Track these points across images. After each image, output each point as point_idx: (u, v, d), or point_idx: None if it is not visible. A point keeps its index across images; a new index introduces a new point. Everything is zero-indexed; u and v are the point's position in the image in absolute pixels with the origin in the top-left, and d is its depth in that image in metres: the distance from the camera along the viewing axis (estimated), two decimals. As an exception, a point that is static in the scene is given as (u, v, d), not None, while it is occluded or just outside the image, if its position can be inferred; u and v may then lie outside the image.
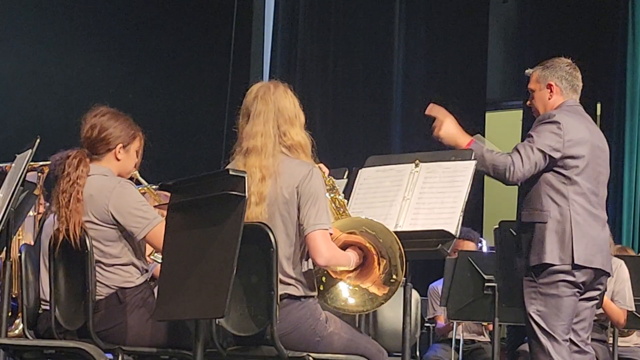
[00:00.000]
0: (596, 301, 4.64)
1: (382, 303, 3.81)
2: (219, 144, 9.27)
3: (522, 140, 4.65)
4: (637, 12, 8.80)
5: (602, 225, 4.60)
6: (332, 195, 3.97)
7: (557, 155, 4.49)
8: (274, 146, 3.75)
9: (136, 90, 9.01)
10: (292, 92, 3.86)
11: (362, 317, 4.82)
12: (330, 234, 3.70)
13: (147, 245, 4.10)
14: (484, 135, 8.76)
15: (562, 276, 4.45)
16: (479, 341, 7.11)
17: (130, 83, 9.08)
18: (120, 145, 4.12)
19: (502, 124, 9.79)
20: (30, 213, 5.02)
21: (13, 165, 4.34)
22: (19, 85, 8.52)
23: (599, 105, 8.81)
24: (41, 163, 4.91)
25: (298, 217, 3.69)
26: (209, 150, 9.45)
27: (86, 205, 3.95)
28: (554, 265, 4.44)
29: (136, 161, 4.23)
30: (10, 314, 4.35)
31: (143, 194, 4.47)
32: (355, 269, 3.83)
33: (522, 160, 4.44)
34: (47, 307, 4.06)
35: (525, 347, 5.65)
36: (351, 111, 10.06)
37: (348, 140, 9.83)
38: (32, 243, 4.69)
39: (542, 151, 4.46)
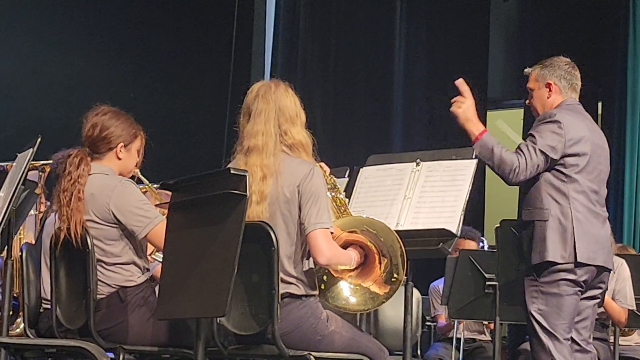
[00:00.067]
0: (598, 300, 4.64)
1: (383, 302, 3.81)
2: (220, 143, 9.28)
3: (523, 140, 4.65)
4: (638, 11, 8.80)
5: (603, 223, 4.60)
6: (333, 194, 3.97)
7: (558, 155, 4.49)
8: (275, 145, 3.75)
9: (137, 89, 9.01)
10: (292, 91, 3.87)
11: (363, 316, 4.83)
12: (331, 233, 3.70)
13: (148, 244, 4.10)
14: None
15: (563, 275, 4.45)
16: (480, 340, 7.11)
17: (131, 82, 9.08)
18: (122, 144, 4.12)
19: (503, 122, 9.80)
20: (32, 212, 5.02)
21: (14, 164, 4.34)
22: (20, 85, 8.52)
23: (600, 104, 8.80)
24: (42, 162, 4.91)
25: (299, 216, 3.69)
26: (210, 149, 9.45)
27: (87, 204, 3.96)
28: (556, 263, 4.43)
29: (137, 160, 4.23)
30: (11, 312, 4.35)
31: (144, 192, 4.47)
32: (356, 268, 3.83)
33: (526, 163, 4.44)
34: (48, 306, 4.06)
35: (526, 346, 5.66)
36: (352, 110, 10.06)
37: (349, 139, 9.83)
38: (34, 242, 4.70)
39: (544, 153, 4.46)
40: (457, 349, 6.93)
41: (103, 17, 9.16)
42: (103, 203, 3.95)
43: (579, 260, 4.43)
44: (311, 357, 3.65)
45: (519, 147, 4.51)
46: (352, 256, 3.78)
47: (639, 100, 8.70)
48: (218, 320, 3.68)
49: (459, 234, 4.16)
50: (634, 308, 6.24)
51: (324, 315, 3.75)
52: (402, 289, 3.95)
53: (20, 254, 4.29)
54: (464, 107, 4.55)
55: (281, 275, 3.61)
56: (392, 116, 9.85)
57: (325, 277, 3.84)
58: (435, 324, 7.37)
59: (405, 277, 3.86)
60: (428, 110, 9.52)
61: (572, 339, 4.49)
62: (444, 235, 4.10)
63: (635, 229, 8.57)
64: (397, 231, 3.86)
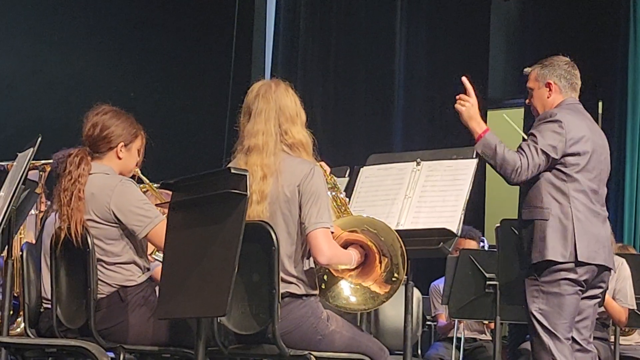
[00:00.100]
0: (598, 299, 4.64)
1: (384, 301, 3.81)
2: (220, 142, 9.27)
3: (524, 139, 4.64)
4: (639, 11, 8.80)
5: (603, 222, 4.59)
6: (333, 193, 3.97)
7: (559, 154, 4.49)
8: (275, 144, 3.75)
9: (137, 89, 9.01)
10: (293, 91, 3.87)
11: (364, 315, 4.82)
12: (332, 233, 3.70)
13: (149, 244, 4.10)
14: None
15: (564, 274, 4.45)
16: (480, 340, 7.11)
17: (131, 82, 9.08)
18: (122, 143, 4.12)
19: (504, 122, 9.79)
20: (32, 211, 5.02)
21: (14, 163, 4.34)
22: (20, 84, 8.52)
23: (600, 104, 8.80)
24: (43, 161, 4.91)
25: (299, 216, 3.69)
26: (210, 148, 9.45)
27: (88, 204, 3.96)
28: (556, 262, 4.43)
29: (138, 160, 4.23)
30: (11, 312, 4.35)
31: (145, 192, 4.47)
32: (356, 268, 3.83)
33: (528, 163, 4.44)
34: (49, 306, 4.06)
35: (526, 345, 5.66)
36: (352, 110, 10.06)
37: (349, 139, 9.82)
38: (34, 241, 4.70)
39: (545, 152, 4.46)
40: (458, 348, 6.93)
41: (103, 16, 9.15)
42: (103, 202, 3.95)
43: (579, 259, 4.43)
44: (311, 356, 3.65)
45: (520, 147, 4.51)
46: (353, 256, 3.78)
47: (640, 99, 8.71)
48: (218, 320, 3.68)
49: (459, 234, 4.16)
50: (635, 307, 6.24)
51: (325, 314, 3.75)
52: (402, 288, 3.94)
53: (20, 253, 4.29)
54: (468, 105, 4.56)
55: (281, 274, 3.61)
56: (393, 115, 9.84)
57: (325, 277, 3.84)
58: (435, 323, 7.36)
59: (405, 277, 3.85)
60: (428, 110, 9.52)
61: (573, 339, 4.49)
62: (444, 234, 4.10)
63: (635, 228, 8.57)
64: (397, 231, 3.86)
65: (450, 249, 4.18)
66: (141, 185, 4.50)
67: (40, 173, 5.04)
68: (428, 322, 7.54)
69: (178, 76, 9.64)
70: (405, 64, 9.88)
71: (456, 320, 6.78)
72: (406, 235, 3.90)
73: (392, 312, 5.95)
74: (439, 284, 6.96)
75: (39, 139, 4.14)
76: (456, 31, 9.59)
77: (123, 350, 3.91)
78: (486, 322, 6.93)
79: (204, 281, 3.33)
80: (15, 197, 4.11)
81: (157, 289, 3.98)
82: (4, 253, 4.27)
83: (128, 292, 3.96)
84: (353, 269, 3.83)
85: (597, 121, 5.25)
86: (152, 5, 9.57)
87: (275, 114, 3.78)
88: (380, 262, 3.79)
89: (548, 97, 4.70)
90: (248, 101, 3.85)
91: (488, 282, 5.74)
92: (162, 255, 3.77)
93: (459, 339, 6.93)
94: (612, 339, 6.33)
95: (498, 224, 5.35)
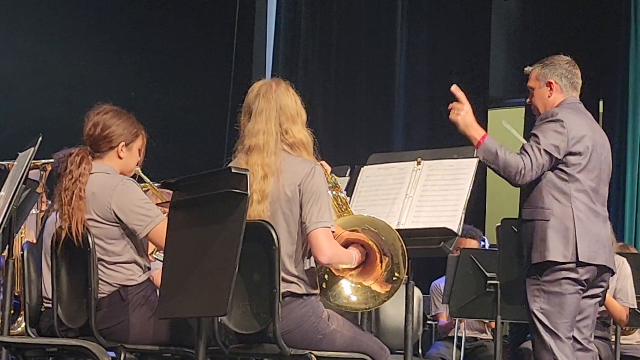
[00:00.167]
0: (599, 298, 4.64)
1: (385, 301, 3.81)
2: (221, 141, 9.27)
3: (524, 139, 4.64)
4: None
5: (604, 222, 4.59)
6: (334, 192, 3.97)
7: (562, 154, 4.49)
8: (276, 144, 3.75)
9: (138, 88, 9.01)
10: (293, 90, 3.87)
11: (365, 314, 4.82)
12: (333, 232, 3.70)
13: (149, 243, 4.10)
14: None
15: (565, 273, 4.44)
16: (481, 339, 7.11)
17: (132, 81, 9.08)
18: (123, 143, 4.12)
19: (507, 123, 9.78)
20: (33, 211, 5.02)
21: (15, 163, 4.35)
22: (21, 84, 8.52)
23: (601, 103, 8.79)
24: (43, 161, 4.92)
25: (300, 215, 3.69)
26: (211, 148, 9.45)
27: (88, 203, 3.96)
28: (557, 262, 4.43)
29: (139, 159, 4.23)
30: (12, 312, 4.35)
31: (146, 191, 4.47)
32: (357, 267, 3.83)
33: (531, 164, 4.43)
34: (50, 305, 4.06)
35: (527, 344, 5.66)
36: (353, 109, 10.06)
37: (350, 138, 9.82)
38: (35, 241, 4.70)
39: (548, 153, 4.45)
40: (459, 347, 6.93)
41: (104, 16, 9.15)
42: (104, 202, 3.95)
43: (580, 259, 4.43)
44: (312, 356, 3.65)
45: (523, 148, 4.50)
46: (353, 255, 3.78)
47: (641, 98, 8.70)
48: (219, 320, 3.68)
49: (460, 233, 4.16)
50: (635, 307, 6.24)
51: (325, 314, 3.75)
52: (403, 287, 3.94)
53: (21, 253, 4.29)
54: (463, 113, 4.54)
55: (282, 274, 3.61)
56: (393, 115, 9.84)
57: (326, 276, 3.84)
58: (436, 322, 7.36)
59: (406, 276, 3.85)
60: (429, 109, 9.52)
61: (574, 338, 4.49)
62: (445, 234, 4.10)
63: (636, 228, 8.57)
64: (398, 230, 3.86)
65: (451, 248, 4.18)
66: (142, 185, 4.51)
67: (41, 172, 5.05)
68: (429, 322, 7.54)
69: (179, 76, 9.64)
70: (406, 64, 9.88)
71: (457, 319, 6.78)
72: (407, 234, 3.90)
73: (393, 312, 5.96)
74: (440, 283, 6.96)
75: (40, 138, 4.14)
76: (457, 30, 9.59)
77: (124, 349, 3.91)
78: (487, 321, 6.93)
79: (205, 281, 3.33)
80: (16, 197, 4.11)
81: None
82: (5, 252, 4.27)
83: (129, 292, 3.96)
84: (354, 268, 3.83)
85: (597, 120, 5.25)
86: (153, 5, 9.57)
87: (276, 113, 3.78)
88: (381, 262, 3.79)
89: (549, 97, 4.69)
90: (249, 101, 3.85)
91: (489, 282, 5.73)
92: (162, 254, 3.77)
93: (459, 338, 6.93)
94: (612, 338, 6.33)
95: (499, 223, 5.35)
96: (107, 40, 9.10)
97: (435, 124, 9.31)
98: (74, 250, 3.93)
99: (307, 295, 3.71)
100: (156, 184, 4.71)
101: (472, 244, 6.90)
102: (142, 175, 4.64)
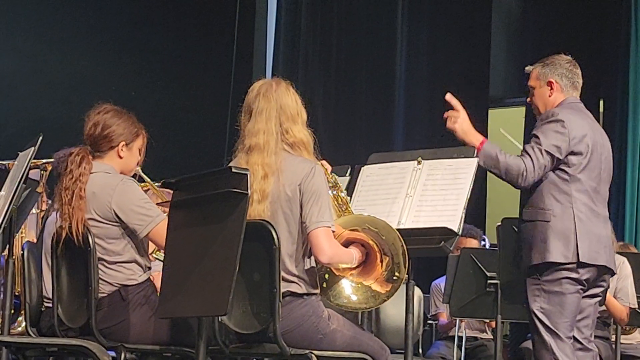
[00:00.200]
0: (599, 298, 4.64)
1: (385, 300, 3.81)
2: (221, 141, 9.27)
3: (525, 138, 4.64)
4: (640, 9, 8.80)
5: (604, 222, 4.59)
6: (334, 192, 3.97)
7: (563, 154, 4.48)
8: (276, 144, 3.75)
9: (138, 88, 9.01)
10: (294, 90, 3.87)
11: (365, 314, 4.82)
12: (333, 232, 3.70)
13: (150, 243, 4.10)
14: (486, 132, 8.77)
15: (565, 273, 4.44)
16: (481, 338, 7.11)
17: (132, 81, 9.08)
18: (123, 142, 4.12)
19: (505, 120, 9.79)
20: (33, 210, 5.02)
21: (15, 162, 4.35)
22: (21, 83, 8.52)
23: (601, 102, 8.79)
24: (44, 160, 4.92)
25: (300, 215, 3.69)
26: (211, 147, 9.45)
27: (89, 203, 3.96)
28: (558, 263, 4.43)
29: (139, 159, 4.23)
30: (12, 311, 4.36)
31: (146, 191, 4.47)
32: (357, 266, 3.83)
33: (533, 165, 4.43)
34: (50, 305, 4.06)
35: (528, 344, 5.65)
36: (353, 109, 10.06)
37: (350, 138, 9.82)
38: (35, 240, 4.70)
39: (550, 153, 4.45)
40: (459, 347, 6.93)
41: (104, 16, 9.15)
42: (105, 202, 3.95)
43: (581, 260, 4.42)
44: (313, 355, 3.65)
45: (524, 150, 4.50)
46: (354, 255, 3.78)
47: (641, 98, 8.70)
48: (219, 319, 3.68)
49: (460, 233, 4.15)
50: (636, 306, 6.24)
51: (326, 313, 3.75)
52: (403, 287, 3.94)
53: (21, 252, 4.29)
54: (460, 121, 4.55)
55: (282, 274, 3.61)
56: (394, 114, 9.84)
57: (326, 276, 3.84)
58: (436, 322, 7.36)
59: (406, 276, 3.85)
60: (429, 109, 9.51)
61: (574, 338, 4.49)
62: (445, 233, 4.10)
63: (636, 227, 8.56)
64: (398, 229, 3.86)
65: (451, 248, 4.17)
66: (142, 184, 4.51)
67: (42, 172, 5.05)
68: (429, 321, 7.54)
69: (179, 75, 9.64)
70: (406, 63, 9.88)
71: (457, 319, 6.77)
72: (407, 234, 3.90)
73: (393, 311, 5.96)
74: (440, 283, 6.96)
75: (40, 138, 4.14)
76: (457, 30, 9.59)
77: (124, 349, 3.91)
78: (487, 320, 6.93)
79: (205, 280, 3.33)
80: (16, 196, 4.12)
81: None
82: (5, 252, 4.27)
83: (129, 291, 3.96)
84: (354, 268, 3.83)
85: (598, 120, 5.24)
86: (153, 5, 9.57)
87: (276, 113, 3.78)
88: (382, 261, 3.79)
89: (549, 96, 4.69)
90: (249, 100, 3.85)
91: (489, 281, 5.73)
92: (163, 254, 3.77)
93: (460, 338, 6.93)
94: (613, 337, 6.32)
95: (499, 223, 5.35)
96: (107, 40, 9.10)
97: (435, 124, 9.27)
98: (74, 250, 3.94)
99: (307, 294, 3.71)
100: (156, 184, 4.71)
101: (473, 243, 6.90)
102: (142, 175, 4.63)
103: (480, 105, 9.07)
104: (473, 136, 4.52)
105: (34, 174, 4.89)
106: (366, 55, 10.05)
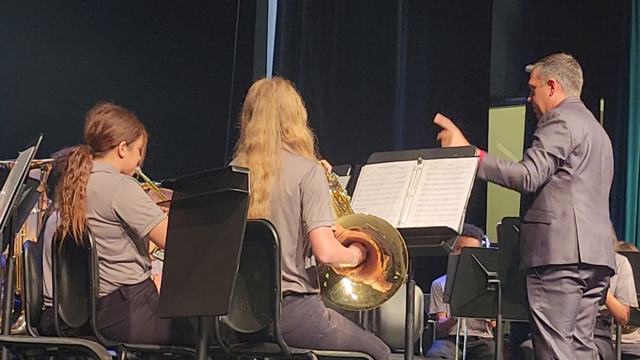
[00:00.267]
0: (599, 298, 4.64)
1: (385, 299, 3.81)
2: (221, 141, 9.27)
3: (525, 137, 4.64)
4: (641, 8, 8.79)
5: (605, 222, 4.59)
6: (335, 191, 3.97)
7: (565, 155, 4.48)
8: (277, 143, 3.75)
9: (139, 87, 9.01)
10: (294, 89, 3.87)
11: (365, 313, 4.82)
12: (333, 231, 3.70)
13: (150, 242, 4.10)
14: (487, 132, 8.77)
15: (566, 273, 4.44)
16: (482, 338, 7.10)
17: (133, 80, 9.08)
18: (124, 142, 4.12)
19: (506, 120, 9.79)
20: (34, 210, 5.03)
21: (16, 162, 4.35)
22: (21, 83, 8.51)
23: (602, 102, 8.79)
24: (44, 160, 4.92)
25: (301, 214, 3.69)
26: (211, 147, 9.45)
27: (89, 202, 3.96)
28: (558, 264, 4.43)
29: (139, 159, 4.23)
30: (13, 311, 4.36)
31: (146, 190, 4.47)
32: (358, 266, 3.83)
33: (536, 169, 4.42)
34: (50, 304, 4.06)
35: (528, 343, 5.65)
36: (354, 108, 10.05)
37: (351, 137, 9.82)
38: (35, 240, 4.70)
39: (552, 155, 4.45)
40: (460, 346, 6.93)
41: (105, 15, 9.15)
42: (105, 201, 3.95)
43: (582, 261, 4.42)
44: (313, 355, 3.65)
45: (526, 154, 4.50)
46: (354, 254, 3.78)
47: (642, 97, 8.70)
48: (220, 318, 3.68)
49: (461, 232, 4.16)
50: (636, 305, 6.24)
51: (326, 313, 3.75)
52: (404, 286, 3.94)
53: (22, 252, 4.29)
54: (454, 139, 4.57)
55: (283, 273, 3.61)
56: (394, 114, 9.83)
57: (327, 275, 3.84)
58: (437, 321, 7.36)
59: (407, 275, 3.85)
60: (430, 108, 9.49)
61: (574, 337, 4.48)
62: (446, 233, 4.10)
63: (637, 227, 8.56)
64: (399, 229, 3.86)
65: (451, 247, 4.17)
66: (142, 184, 4.51)
67: (42, 172, 5.05)
68: (430, 320, 7.54)
69: (180, 75, 9.64)
70: (407, 63, 9.87)
71: (458, 318, 6.77)
72: (408, 233, 3.90)
73: (394, 311, 5.95)
74: (441, 282, 6.96)
75: (41, 137, 4.14)
76: (458, 29, 9.58)
77: (124, 348, 3.91)
78: (488, 320, 6.93)
79: (206, 280, 3.33)
80: (17, 196, 4.12)
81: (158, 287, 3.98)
82: (6, 251, 4.27)
83: (129, 291, 3.96)
84: (355, 267, 3.83)
85: (598, 119, 5.24)
86: (153, 5, 9.57)
87: (277, 112, 3.78)
88: (382, 261, 3.79)
89: (550, 95, 4.69)
90: (249, 100, 3.85)
91: (490, 280, 5.73)
92: (163, 253, 3.77)
93: (461, 337, 6.93)
94: (613, 337, 6.32)
95: (500, 222, 5.35)
96: (107, 40, 9.09)
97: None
98: (74, 250, 3.94)
99: (307, 294, 3.71)
100: (157, 183, 4.71)
101: (473, 242, 6.90)
102: (142, 174, 4.64)
103: (480, 105, 9.06)
104: None
105: (35, 173, 4.89)
106: (367, 54, 10.04)
